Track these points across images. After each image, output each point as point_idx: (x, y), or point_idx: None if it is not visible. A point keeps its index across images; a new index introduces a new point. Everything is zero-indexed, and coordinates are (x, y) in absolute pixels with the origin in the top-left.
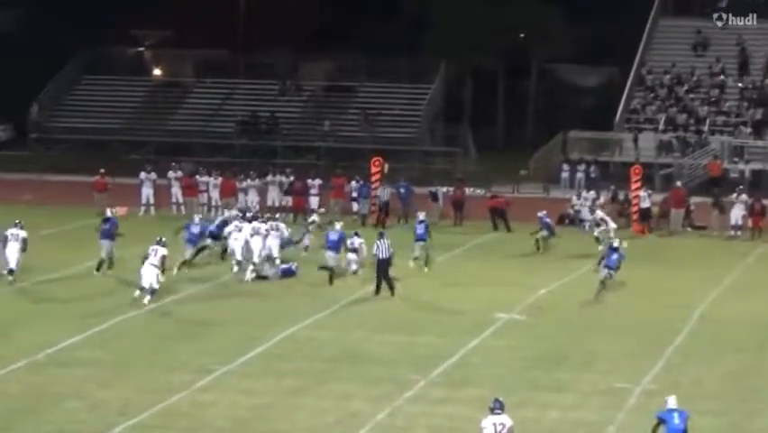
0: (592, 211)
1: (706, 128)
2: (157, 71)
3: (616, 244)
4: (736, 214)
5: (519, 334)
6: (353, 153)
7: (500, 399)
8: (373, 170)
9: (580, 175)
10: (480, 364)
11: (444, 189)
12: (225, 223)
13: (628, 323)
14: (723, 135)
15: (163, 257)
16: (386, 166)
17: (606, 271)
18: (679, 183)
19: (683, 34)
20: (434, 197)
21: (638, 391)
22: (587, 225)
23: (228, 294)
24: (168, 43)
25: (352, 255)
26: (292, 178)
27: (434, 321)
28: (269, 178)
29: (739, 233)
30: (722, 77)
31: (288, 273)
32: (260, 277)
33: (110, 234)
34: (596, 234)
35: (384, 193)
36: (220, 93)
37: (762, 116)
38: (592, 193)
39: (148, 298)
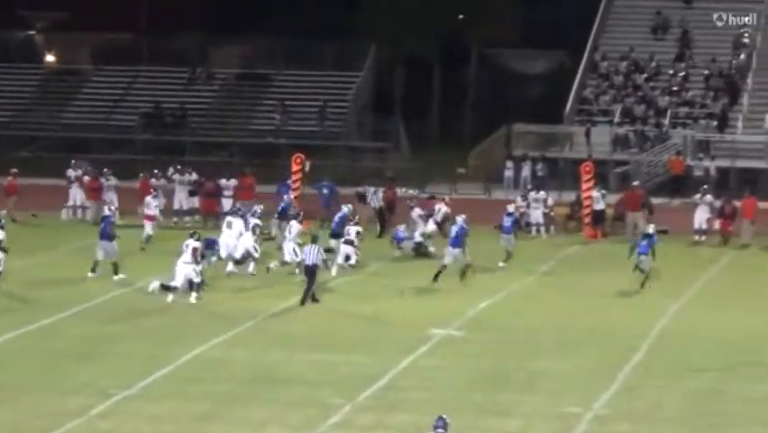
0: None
1: (667, 121)
2: (50, 57)
3: (651, 230)
4: (700, 217)
5: (457, 352)
6: (270, 150)
7: (444, 417)
8: (293, 168)
9: (525, 173)
10: (413, 386)
11: (373, 190)
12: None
13: (579, 339)
14: (686, 129)
15: (195, 250)
16: (307, 164)
17: (642, 260)
18: (636, 183)
19: (641, 15)
20: (362, 198)
21: (590, 416)
22: (534, 229)
23: (129, 308)
24: (62, 26)
25: (347, 247)
26: (195, 176)
27: (363, 338)
28: (177, 177)
29: (704, 238)
30: (685, 63)
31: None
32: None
33: (108, 235)
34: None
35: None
36: (121, 82)
37: (729, 107)
38: (542, 194)
39: (194, 295)
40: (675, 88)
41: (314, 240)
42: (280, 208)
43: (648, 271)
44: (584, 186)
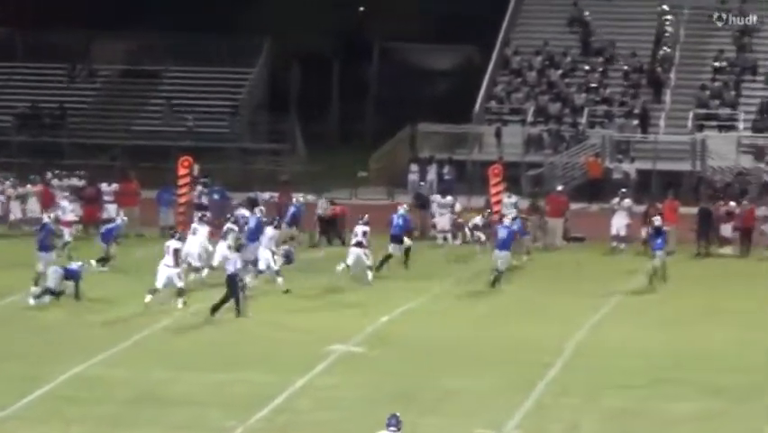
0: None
1: (584, 120)
2: None
3: (658, 222)
4: (618, 223)
5: (357, 369)
6: (156, 152)
7: (398, 415)
8: (181, 171)
9: (431, 177)
10: (310, 407)
11: (267, 195)
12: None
13: (490, 355)
14: (604, 128)
15: (176, 251)
16: (196, 167)
17: (657, 257)
18: (560, 187)
19: (556, 7)
20: (254, 203)
21: None
22: (441, 237)
23: (3, 322)
24: None
25: (357, 249)
26: (75, 181)
27: (257, 355)
28: (55, 182)
29: (623, 245)
30: (603, 57)
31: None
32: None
33: (47, 246)
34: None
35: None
36: None
37: (651, 105)
38: (450, 199)
39: (180, 300)
40: (593, 85)
41: (238, 249)
42: (291, 214)
43: (658, 267)
44: (493, 190)
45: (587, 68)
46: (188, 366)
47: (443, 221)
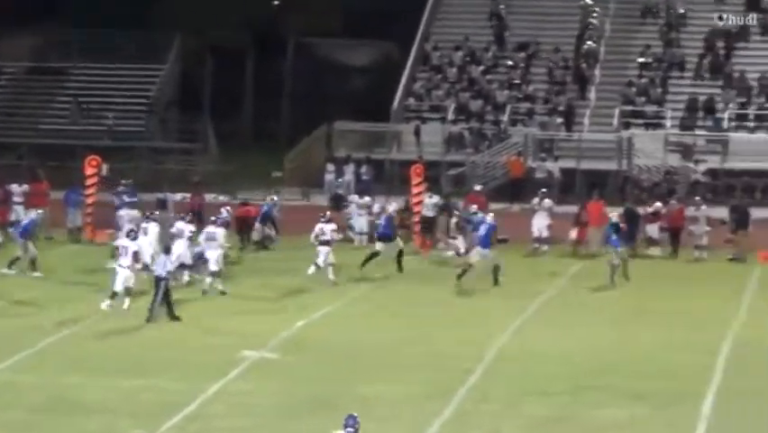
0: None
1: (506, 117)
2: None
3: (614, 219)
4: (539, 223)
5: (272, 376)
6: (64, 151)
7: (355, 415)
8: (88, 171)
9: (348, 177)
10: (223, 414)
11: (179, 197)
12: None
13: (409, 360)
14: (527, 126)
15: (135, 253)
16: (104, 167)
17: (617, 254)
18: (478, 187)
19: (477, 1)
20: (163, 205)
21: None
22: (358, 238)
23: None
24: None
25: (325, 248)
26: None
27: (168, 361)
28: None
29: (545, 247)
30: (525, 53)
31: None
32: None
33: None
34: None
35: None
36: None
37: (576, 102)
38: (368, 199)
39: (127, 301)
40: (515, 81)
41: (167, 250)
42: (262, 213)
43: (619, 264)
44: (414, 190)
45: (509, 63)
46: (99, 372)
47: (360, 222)
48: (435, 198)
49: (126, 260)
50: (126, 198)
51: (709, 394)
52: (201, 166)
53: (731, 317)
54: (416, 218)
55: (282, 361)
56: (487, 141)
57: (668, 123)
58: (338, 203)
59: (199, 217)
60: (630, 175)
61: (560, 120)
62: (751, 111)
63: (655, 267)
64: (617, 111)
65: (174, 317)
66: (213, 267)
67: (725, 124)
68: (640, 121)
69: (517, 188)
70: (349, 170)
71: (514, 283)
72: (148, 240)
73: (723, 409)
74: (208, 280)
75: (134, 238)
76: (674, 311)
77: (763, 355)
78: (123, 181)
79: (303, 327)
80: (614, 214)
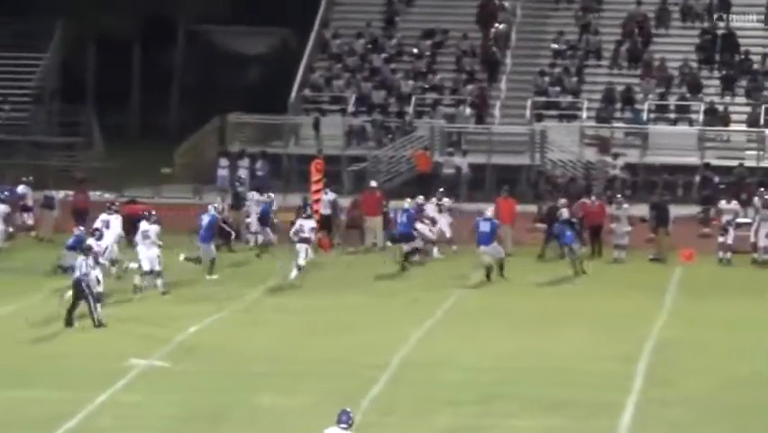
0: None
1: (411, 109)
2: None
3: (566, 215)
4: (440, 223)
5: (162, 385)
6: None
7: (348, 410)
8: None
9: (242, 172)
10: (110, 426)
11: (62, 194)
12: None
13: (309, 369)
14: (434, 118)
15: (95, 254)
16: None
17: (568, 251)
18: (374, 183)
19: None
20: (49, 203)
21: None
22: (253, 238)
23: None
24: None
25: (304, 245)
26: None
27: (53, 369)
28: None
29: (454, 247)
30: (431, 41)
31: None
32: None
33: None
34: None
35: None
36: None
37: (486, 92)
38: (265, 196)
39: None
40: (421, 71)
41: (85, 252)
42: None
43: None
44: (314, 187)
45: (414, 51)
46: None
47: (256, 221)
48: (332, 195)
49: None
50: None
51: (629, 404)
52: (85, 162)
53: (651, 320)
54: (317, 217)
55: (172, 369)
56: (390, 134)
57: (584, 114)
58: (238, 201)
59: (83, 217)
60: (543, 170)
61: (468, 111)
62: (672, 102)
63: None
64: (528, 102)
65: (70, 323)
66: (146, 267)
67: (644, 116)
68: (554, 112)
69: (424, 185)
70: (243, 166)
71: (420, 286)
72: (112, 232)
73: (643, 421)
74: (137, 281)
75: (99, 238)
76: (592, 315)
77: (685, 362)
78: (24, 179)
79: (195, 333)
80: (565, 210)
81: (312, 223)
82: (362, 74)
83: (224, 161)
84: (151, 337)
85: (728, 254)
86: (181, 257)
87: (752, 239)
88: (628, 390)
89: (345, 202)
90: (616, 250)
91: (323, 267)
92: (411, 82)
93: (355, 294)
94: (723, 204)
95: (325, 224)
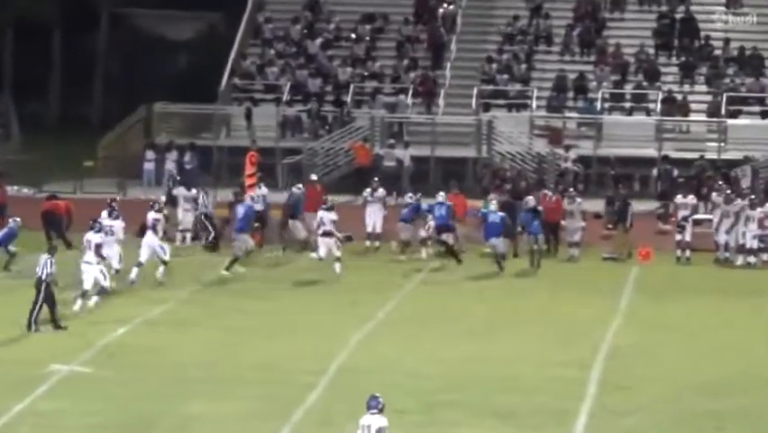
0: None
1: (349, 98)
2: None
3: (532, 203)
4: (373, 217)
5: (85, 392)
6: None
7: (378, 396)
8: None
9: (169, 166)
10: None
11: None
12: None
13: (241, 374)
14: (374, 108)
15: (98, 246)
16: None
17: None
18: (314, 176)
19: None
20: None
21: None
22: (180, 237)
23: None
24: None
25: (326, 240)
26: None
27: None
28: None
29: (377, 243)
30: (371, 25)
31: None
32: None
33: None
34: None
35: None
36: None
37: (430, 81)
38: (193, 192)
39: (95, 299)
40: (360, 57)
41: (50, 250)
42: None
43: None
44: (248, 181)
45: (353, 37)
46: None
47: (187, 218)
48: (265, 190)
49: (90, 255)
50: None
51: (582, 413)
52: (1, 155)
53: (606, 324)
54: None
55: (97, 375)
56: (327, 125)
57: (534, 104)
58: (173, 197)
59: (1, 213)
60: (491, 163)
61: (410, 101)
62: (627, 90)
63: (523, 267)
64: (475, 90)
65: (30, 326)
66: (116, 265)
67: (598, 106)
68: (502, 102)
69: (364, 178)
70: (171, 159)
71: (360, 287)
72: (113, 239)
73: (596, 430)
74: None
75: (98, 231)
76: (543, 318)
77: (641, 368)
78: None
79: (121, 337)
80: (530, 198)
81: (333, 215)
82: (297, 61)
83: (150, 154)
84: (72, 342)
85: (687, 253)
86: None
87: (715, 237)
88: (581, 397)
89: (281, 197)
90: (570, 248)
91: (257, 266)
92: (349, 69)
93: (292, 295)
94: (679, 198)
95: (258, 220)
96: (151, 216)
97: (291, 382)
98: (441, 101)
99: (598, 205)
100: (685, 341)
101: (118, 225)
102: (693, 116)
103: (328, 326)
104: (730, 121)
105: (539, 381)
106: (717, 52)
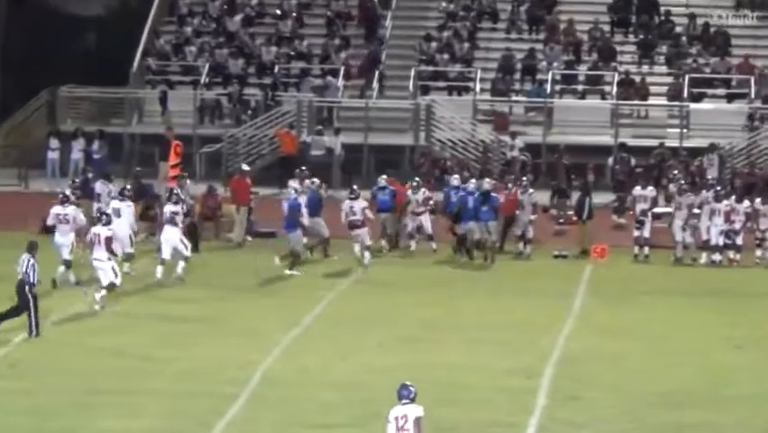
0: None
1: (274, 80)
2: None
3: (487, 186)
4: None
5: None
6: None
7: (408, 384)
8: None
9: (76, 155)
10: None
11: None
12: None
13: (154, 385)
14: (302, 91)
15: (108, 240)
16: None
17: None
18: (246, 167)
19: None
20: None
21: None
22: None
23: None
24: None
25: (361, 231)
26: None
27: None
28: None
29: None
30: (297, 1)
31: None
32: None
33: None
34: None
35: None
36: None
37: (364, 59)
38: (115, 187)
39: (102, 294)
40: (285, 35)
41: (30, 248)
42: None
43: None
44: (171, 172)
45: (278, 12)
46: None
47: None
48: (188, 182)
49: (101, 251)
50: None
51: (530, 426)
52: None
53: (557, 328)
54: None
55: None
56: (250, 110)
57: (477, 87)
58: (88, 189)
59: None
60: (430, 151)
61: (341, 83)
62: (581, 71)
63: (467, 266)
64: (412, 72)
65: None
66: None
67: (548, 88)
68: (442, 84)
69: (289, 169)
70: (77, 147)
71: (287, 289)
72: (124, 222)
73: None
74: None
75: (107, 223)
76: (488, 321)
77: (595, 377)
78: None
79: (23, 343)
80: (487, 180)
81: (363, 203)
82: (217, 40)
83: (54, 143)
84: None
85: (646, 250)
86: (276, 260)
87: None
88: (530, 409)
89: (198, 189)
90: (518, 243)
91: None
92: (274, 49)
93: (212, 297)
94: (637, 190)
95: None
96: (169, 208)
97: (211, 394)
98: (374, 84)
99: (546, 197)
100: (644, 347)
101: (72, 211)
102: (652, 100)
103: (251, 331)
104: (693, 105)
105: (484, 391)
106: (679, 29)
